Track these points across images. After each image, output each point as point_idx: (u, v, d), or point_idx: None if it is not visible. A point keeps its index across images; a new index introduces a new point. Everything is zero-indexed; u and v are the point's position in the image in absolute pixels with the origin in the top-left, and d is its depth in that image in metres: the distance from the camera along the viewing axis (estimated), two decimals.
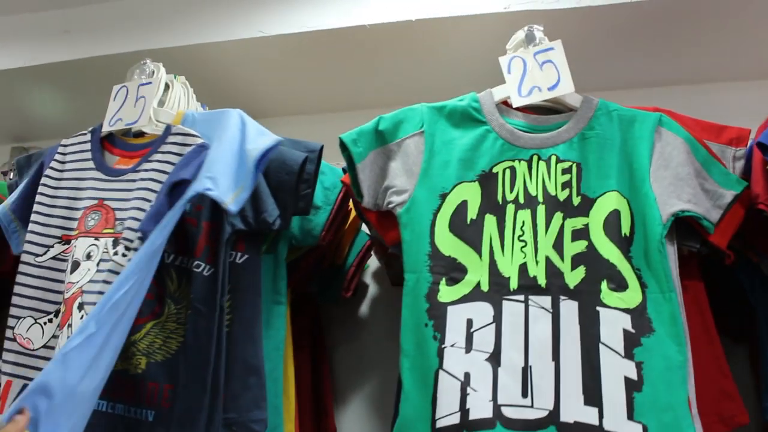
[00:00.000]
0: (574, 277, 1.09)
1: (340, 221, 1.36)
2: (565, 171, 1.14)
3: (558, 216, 1.12)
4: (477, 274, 1.10)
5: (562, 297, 1.08)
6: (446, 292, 1.09)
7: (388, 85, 1.67)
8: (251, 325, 1.16)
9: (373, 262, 1.66)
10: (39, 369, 1.11)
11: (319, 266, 1.43)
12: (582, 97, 1.20)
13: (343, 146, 1.18)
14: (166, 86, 1.30)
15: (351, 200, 1.31)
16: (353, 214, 1.41)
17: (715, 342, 1.20)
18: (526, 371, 1.04)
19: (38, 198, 1.21)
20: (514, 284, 1.09)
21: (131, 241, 1.09)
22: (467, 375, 1.04)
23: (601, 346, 1.04)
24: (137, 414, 1.08)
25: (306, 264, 1.38)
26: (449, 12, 1.45)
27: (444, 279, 1.10)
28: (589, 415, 1.01)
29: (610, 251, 1.09)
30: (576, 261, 1.09)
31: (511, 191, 1.14)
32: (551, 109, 1.22)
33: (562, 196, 1.13)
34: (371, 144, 1.18)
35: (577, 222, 1.11)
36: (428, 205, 1.14)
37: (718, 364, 1.19)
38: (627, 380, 1.02)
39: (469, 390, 1.03)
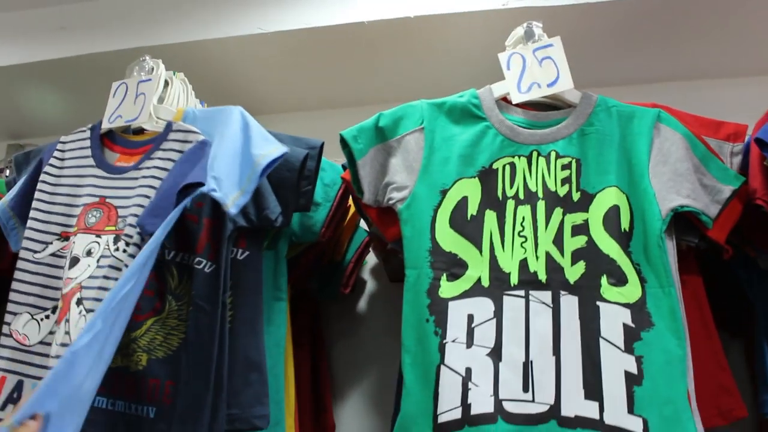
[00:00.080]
0: (574, 272, 1.09)
1: (340, 218, 1.36)
2: (564, 167, 1.15)
3: (558, 211, 1.12)
4: (477, 269, 1.10)
5: (562, 292, 1.08)
6: (447, 288, 1.09)
7: (387, 82, 1.67)
8: (253, 322, 1.16)
9: (371, 259, 1.66)
10: (34, 365, 1.11)
11: (319, 262, 1.44)
12: (581, 94, 1.20)
13: (344, 143, 1.18)
14: (165, 83, 1.30)
15: (351, 197, 1.31)
16: (352, 210, 1.41)
17: (714, 336, 1.20)
18: (527, 366, 1.04)
19: (37, 195, 1.20)
20: (514, 279, 1.09)
21: (131, 237, 1.09)
22: (468, 370, 1.04)
23: (601, 340, 1.05)
24: (138, 410, 1.08)
25: (306, 260, 1.38)
26: (448, 9, 1.45)
27: (445, 275, 1.10)
28: (590, 409, 1.01)
29: (609, 246, 1.10)
30: (576, 256, 1.10)
31: (511, 187, 1.14)
32: (550, 106, 1.23)
33: (562, 191, 1.13)
34: (371, 140, 1.18)
35: (577, 217, 1.12)
36: (429, 201, 1.14)
37: (716, 359, 1.19)
38: (627, 374, 1.02)
39: (470, 385, 1.03)
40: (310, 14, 1.50)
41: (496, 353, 1.05)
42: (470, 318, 1.07)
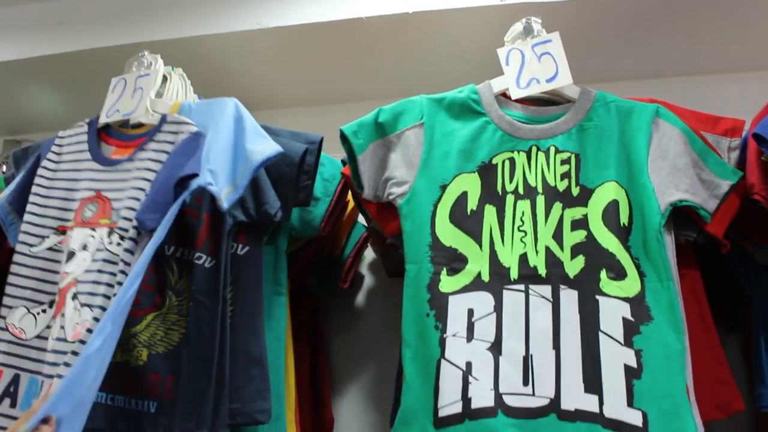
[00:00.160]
0: (573, 267, 1.09)
1: (339, 212, 1.36)
2: (563, 162, 1.15)
3: (557, 206, 1.12)
4: (477, 264, 1.10)
5: (562, 286, 1.08)
6: (447, 282, 1.09)
7: (386, 78, 1.67)
8: (253, 317, 1.16)
9: (369, 254, 1.66)
10: (31, 359, 1.10)
11: (318, 257, 1.44)
12: (580, 89, 1.20)
13: (344, 138, 1.18)
14: (164, 78, 1.29)
15: (350, 192, 1.31)
16: (351, 205, 1.41)
17: (711, 330, 1.21)
18: (527, 360, 1.04)
19: (34, 189, 1.20)
20: (514, 274, 1.09)
21: (126, 230, 1.08)
22: (469, 364, 1.04)
23: (600, 334, 1.05)
24: (138, 405, 1.07)
25: (305, 255, 1.38)
26: (446, 4, 1.44)
27: (445, 269, 1.10)
28: (590, 403, 1.01)
29: (609, 241, 1.10)
30: (575, 250, 1.10)
31: (511, 182, 1.14)
32: (549, 101, 1.23)
33: (561, 186, 1.13)
34: (371, 136, 1.18)
35: (576, 212, 1.12)
36: (428, 196, 1.14)
37: (714, 352, 1.20)
38: (627, 368, 1.03)
39: (470, 379, 1.03)
40: (309, 9, 1.50)
41: (496, 347, 1.05)
42: (470, 312, 1.07)
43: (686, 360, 1.05)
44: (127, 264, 1.05)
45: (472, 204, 1.13)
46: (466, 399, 1.02)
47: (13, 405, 1.08)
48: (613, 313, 1.06)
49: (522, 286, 1.08)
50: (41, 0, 1.65)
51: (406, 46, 1.57)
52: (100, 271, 1.07)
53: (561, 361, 1.04)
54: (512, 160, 1.16)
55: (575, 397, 1.02)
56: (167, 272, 1.13)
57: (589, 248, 1.10)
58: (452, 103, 1.20)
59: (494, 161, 1.16)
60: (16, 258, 1.16)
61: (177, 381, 1.07)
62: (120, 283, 1.03)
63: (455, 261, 1.10)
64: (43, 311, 1.13)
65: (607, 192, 1.12)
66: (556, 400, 1.02)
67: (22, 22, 1.65)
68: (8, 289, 1.14)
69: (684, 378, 1.04)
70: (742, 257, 1.29)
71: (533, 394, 1.02)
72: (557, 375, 1.03)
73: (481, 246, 1.11)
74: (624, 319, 1.05)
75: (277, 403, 1.17)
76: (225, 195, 1.05)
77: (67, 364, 0.99)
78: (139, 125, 1.25)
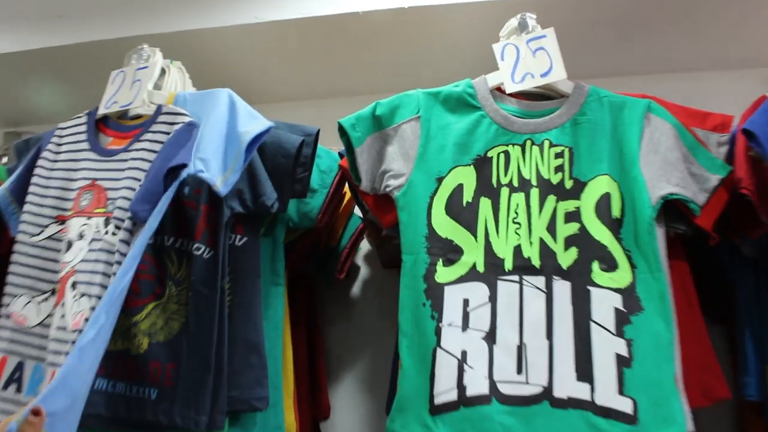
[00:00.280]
0: (566, 258, 1.09)
1: (336, 204, 1.35)
2: (557, 155, 1.14)
3: (551, 199, 1.12)
4: (473, 255, 1.10)
5: (555, 277, 1.08)
6: (443, 273, 1.09)
7: (382, 71, 1.66)
8: (251, 306, 1.15)
9: (364, 245, 1.65)
10: (34, 346, 1.10)
11: (315, 248, 1.43)
12: (573, 84, 1.20)
13: (342, 131, 1.17)
14: (163, 71, 1.28)
15: (347, 183, 1.30)
16: (347, 197, 1.41)
17: (699, 320, 1.21)
18: (520, 349, 1.04)
19: (33, 179, 1.19)
20: (509, 265, 1.09)
21: (122, 220, 1.07)
22: (464, 353, 1.04)
23: (592, 324, 1.05)
24: (139, 392, 1.06)
25: (302, 246, 1.37)
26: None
27: (441, 260, 1.10)
28: (582, 391, 1.02)
29: (601, 233, 1.10)
30: (569, 242, 1.10)
31: (506, 175, 1.14)
32: (544, 96, 1.22)
33: (555, 179, 1.13)
34: (369, 129, 1.17)
35: (570, 205, 1.12)
36: (425, 188, 1.13)
37: (702, 342, 1.19)
38: (618, 357, 1.03)
39: (465, 367, 1.03)
40: (307, 4, 1.48)
41: (490, 336, 1.05)
42: (466, 302, 1.07)
43: (675, 349, 1.06)
44: (123, 254, 1.04)
45: (467, 196, 1.13)
46: (461, 387, 1.02)
47: (18, 390, 1.08)
48: (604, 304, 1.06)
49: (516, 277, 1.08)
50: None
51: (402, 41, 1.56)
52: (97, 261, 1.06)
53: (554, 351, 1.04)
54: (507, 154, 1.15)
55: (567, 385, 1.02)
56: (167, 263, 1.12)
57: (582, 240, 1.10)
58: (448, 97, 1.19)
59: (489, 154, 1.15)
60: (17, 247, 1.15)
61: (177, 369, 1.06)
62: (115, 273, 1.02)
63: (451, 252, 1.10)
64: (45, 299, 1.12)
65: (600, 185, 1.12)
66: (548, 388, 1.02)
67: (22, 14, 1.63)
68: (10, 278, 1.13)
69: (673, 367, 1.04)
70: (729, 250, 1.29)
71: (527, 382, 1.02)
72: (550, 364, 1.03)
73: (476, 237, 1.11)
74: (615, 310, 1.05)
75: (275, 391, 1.16)
76: (223, 180, 1.04)
77: (68, 354, 0.98)
78: (137, 116, 1.24)
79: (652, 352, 1.03)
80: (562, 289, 1.07)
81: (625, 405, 1.00)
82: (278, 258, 1.25)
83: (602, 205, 1.11)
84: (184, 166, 1.02)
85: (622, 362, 1.02)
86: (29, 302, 1.12)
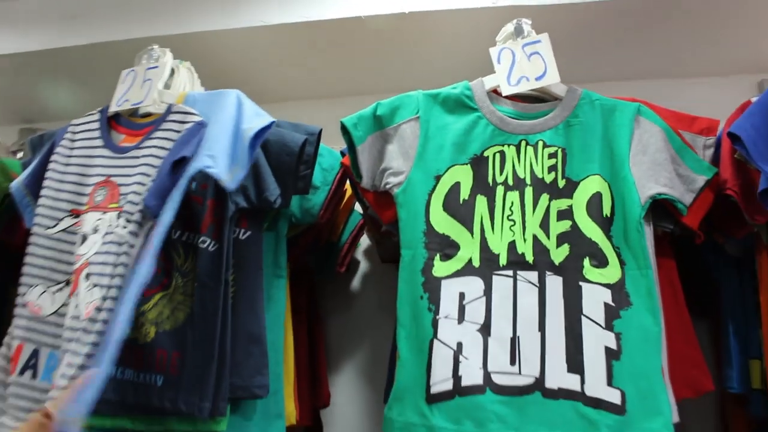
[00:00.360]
0: (559, 254, 1.09)
1: (337, 201, 1.35)
2: (551, 155, 1.14)
3: (544, 197, 1.11)
4: (469, 250, 1.09)
5: (548, 272, 1.07)
6: (440, 267, 1.08)
7: (383, 74, 1.65)
8: (254, 298, 1.15)
9: (364, 241, 1.64)
10: (49, 334, 1.09)
11: (317, 243, 1.42)
12: (567, 87, 1.19)
13: (344, 129, 1.16)
14: (173, 71, 1.27)
15: (348, 181, 1.29)
16: (348, 194, 1.40)
17: (685, 316, 1.20)
18: (514, 341, 1.04)
19: (48, 174, 1.18)
20: (503, 260, 1.08)
21: (132, 214, 1.06)
22: (460, 344, 1.04)
23: (583, 318, 1.04)
24: (146, 379, 1.06)
25: (305, 241, 1.36)
26: (441, 5, 1.43)
27: (438, 255, 1.09)
28: (572, 382, 1.01)
29: (592, 230, 1.09)
30: (561, 239, 1.09)
31: (501, 174, 1.13)
32: (538, 98, 1.21)
33: (549, 178, 1.12)
34: (370, 128, 1.17)
35: (562, 203, 1.11)
36: (423, 186, 1.13)
37: (687, 336, 1.19)
38: (607, 350, 1.02)
39: (461, 358, 1.03)
40: (311, 8, 1.47)
41: (485, 329, 1.05)
42: (462, 296, 1.07)
43: (662, 343, 1.05)
44: (131, 246, 1.04)
45: (464, 194, 1.12)
46: (456, 377, 1.02)
47: (34, 377, 1.07)
48: (595, 299, 1.05)
49: (510, 272, 1.08)
50: None
51: (402, 45, 1.55)
52: (108, 253, 1.05)
53: (546, 343, 1.03)
54: (502, 153, 1.14)
55: (559, 377, 1.01)
56: (173, 255, 1.12)
57: (574, 237, 1.09)
58: (447, 98, 1.18)
59: (486, 154, 1.15)
60: (33, 239, 1.14)
61: (182, 357, 1.06)
62: (125, 265, 1.02)
63: (448, 247, 1.09)
64: (60, 289, 1.11)
65: (591, 185, 1.12)
66: (540, 379, 1.01)
67: (37, 15, 1.62)
68: (26, 269, 1.12)
69: (660, 360, 1.04)
70: (713, 249, 1.30)
71: (519, 373, 1.02)
72: (542, 355, 1.03)
73: (472, 233, 1.10)
74: (605, 304, 1.05)
75: (276, 379, 1.15)
76: (231, 176, 1.03)
77: (78, 341, 0.98)
78: (147, 114, 1.23)
79: (640, 346, 1.03)
80: (555, 284, 1.07)
81: (613, 396, 1.00)
82: (281, 252, 1.24)
83: (593, 204, 1.10)
84: (188, 159, 1.02)
85: (611, 355, 1.02)
86: (44, 292, 1.11)
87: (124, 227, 1.06)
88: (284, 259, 1.25)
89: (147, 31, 1.51)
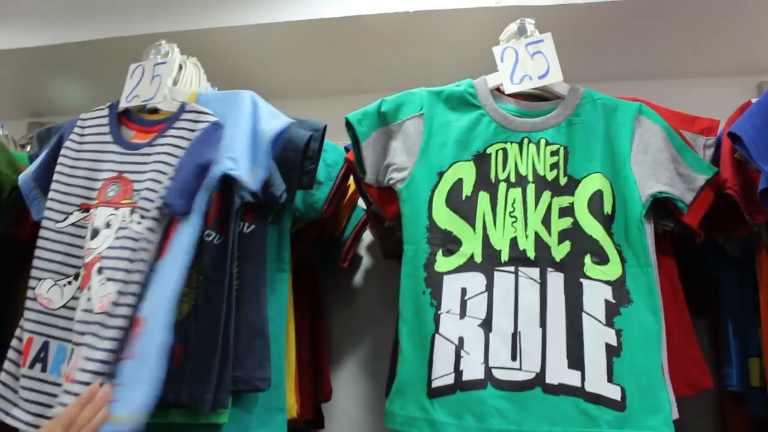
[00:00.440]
0: (560, 251, 1.07)
1: (341, 196, 1.34)
2: (553, 153, 1.13)
3: (546, 194, 1.10)
4: (471, 246, 1.08)
5: (549, 269, 1.06)
6: (442, 263, 1.07)
7: (387, 71, 1.64)
8: (257, 291, 1.13)
9: (367, 236, 1.63)
10: (59, 327, 1.08)
11: (320, 238, 1.41)
12: (569, 87, 1.18)
13: (349, 125, 1.15)
14: (180, 67, 1.25)
15: (352, 176, 1.28)
16: (351, 189, 1.39)
17: (685, 314, 1.19)
18: (515, 336, 1.03)
19: (58, 168, 1.16)
20: (505, 256, 1.07)
21: (147, 210, 1.05)
22: (461, 339, 1.02)
23: (584, 314, 1.03)
24: None
25: (308, 235, 1.35)
26: (445, 5, 1.42)
27: (440, 250, 1.08)
28: (573, 378, 1.00)
29: (593, 228, 1.08)
30: (562, 236, 1.08)
31: (504, 171, 1.12)
32: (540, 97, 1.20)
33: (550, 176, 1.11)
34: (374, 124, 1.16)
35: (564, 200, 1.10)
36: (427, 181, 1.11)
37: (687, 334, 1.18)
38: (607, 346, 1.01)
39: (462, 353, 1.02)
40: (318, 6, 1.46)
41: (487, 324, 1.03)
42: (463, 291, 1.05)
43: (662, 340, 1.04)
44: (149, 241, 1.03)
45: (467, 190, 1.11)
46: (458, 372, 1.01)
47: (43, 370, 1.06)
48: (595, 295, 1.04)
49: (512, 268, 1.06)
50: None
51: (407, 43, 1.54)
52: (122, 248, 1.04)
53: (547, 339, 1.02)
54: (505, 151, 1.13)
55: (559, 372, 1.00)
56: None
57: (575, 234, 1.08)
58: (450, 95, 1.17)
59: (488, 151, 1.13)
60: (43, 233, 1.13)
61: (185, 349, 1.05)
62: (144, 260, 1.02)
63: (450, 243, 1.08)
64: (69, 283, 1.10)
65: (593, 183, 1.10)
66: (541, 374, 1.00)
67: (47, 11, 1.61)
68: (36, 262, 1.11)
69: (659, 357, 1.03)
70: (712, 248, 1.29)
71: (520, 369, 1.01)
72: (543, 351, 1.02)
73: (474, 229, 1.09)
74: (606, 301, 1.04)
75: (278, 373, 1.14)
76: (252, 176, 1.06)
77: (94, 335, 0.97)
78: (155, 110, 1.22)
79: (640, 343, 1.02)
80: (556, 280, 1.05)
81: (613, 392, 0.99)
82: (284, 246, 1.23)
83: (595, 202, 1.09)
84: (214, 163, 1.03)
85: (612, 351, 1.01)
86: (54, 285, 1.10)
87: (139, 223, 1.05)
88: (287, 253, 1.24)
89: (154, 28, 1.50)
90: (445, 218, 1.09)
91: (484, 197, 1.11)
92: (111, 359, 0.96)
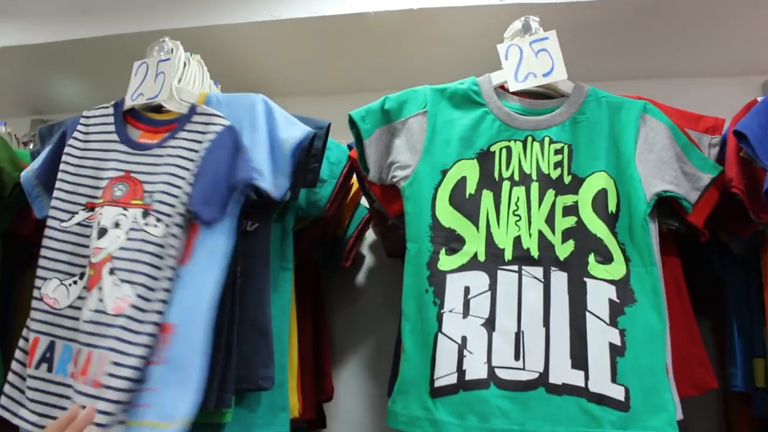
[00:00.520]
0: (564, 250, 1.07)
1: (344, 194, 1.33)
2: (557, 152, 1.12)
3: (550, 193, 1.10)
4: (474, 245, 1.07)
5: (552, 268, 1.06)
6: (446, 261, 1.07)
7: (391, 69, 1.63)
8: (260, 289, 1.13)
9: (369, 235, 1.63)
10: (65, 327, 1.07)
11: (323, 236, 1.41)
12: (573, 84, 1.17)
13: (352, 122, 1.15)
14: (184, 64, 1.25)
15: (355, 174, 1.28)
16: (354, 188, 1.39)
17: (689, 313, 1.19)
18: (518, 336, 1.02)
19: (62, 167, 1.16)
20: (508, 255, 1.07)
21: (169, 216, 1.05)
22: (464, 338, 1.02)
23: (587, 314, 1.03)
24: None
25: (311, 234, 1.35)
26: (449, 2, 1.41)
27: (444, 249, 1.07)
28: (576, 378, 0.99)
29: (597, 227, 1.07)
30: (566, 235, 1.07)
31: (507, 169, 1.11)
32: (545, 95, 1.19)
33: (554, 174, 1.11)
34: (378, 121, 1.15)
35: (568, 199, 1.09)
36: (430, 179, 1.11)
37: (691, 334, 1.18)
38: (611, 346, 1.01)
39: (465, 352, 1.01)
40: (320, 3, 1.46)
41: (490, 323, 1.03)
42: (467, 290, 1.05)
43: (666, 340, 1.04)
44: (172, 246, 1.04)
45: (470, 188, 1.10)
46: (460, 371, 1.00)
47: (49, 370, 1.06)
48: (599, 295, 1.04)
49: (515, 267, 1.06)
50: None
51: (410, 40, 1.53)
52: (140, 251, 1.03)
53: (550, 338, 1.02)
54: (509, 149, 1.12)
55: (563, 372, 1.00)
56: None
57: (579, 233, 1.07)
58: (454, 93, 1.16)
59: (492, 149, 1.13)
60: (48, 232, 1.12)
61: None
62: (171, 267, 1.03)
63: (453, 241, 1.08)
64: (75, 282, 1.09)
65: (597, 181, 1.10)
66: (544, 374, 1.00)
67: (49, 8, 1.61)
68: (41, 262, 1.11)
69: (664, 357, 1.02)
70: (717, 247, 1.28)
71: (524, 368, 1.00)
72: (546, 351, 1.01)
73: (478, 228, 1.08)
74: (610, 301, 1.03)
75: (281, 372, 1.14)
76: (274, 186, 1.08)
77: (118, 339, 0.98)
78: (159, 107, 1.21)
79: (645, 342, 1.01)
80: (560, 279, 1.05)
81: (617, 392, 0.98)
82: (287, 244, 1.22)
83: (599, 201, 1.09)
84: (249, 180, 1.07)
85: (616, 351, 1.00)
86: (59, 285, 1.09)
87: (155, 226, 1.05)
88: (291, 251, 1.23)
89: (155, 25, 1.49)
90: (449, 216, 1.09)
91: (487, 195, 1.10)
92: (142, 365, 0.97)
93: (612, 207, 1.08)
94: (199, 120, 1.14)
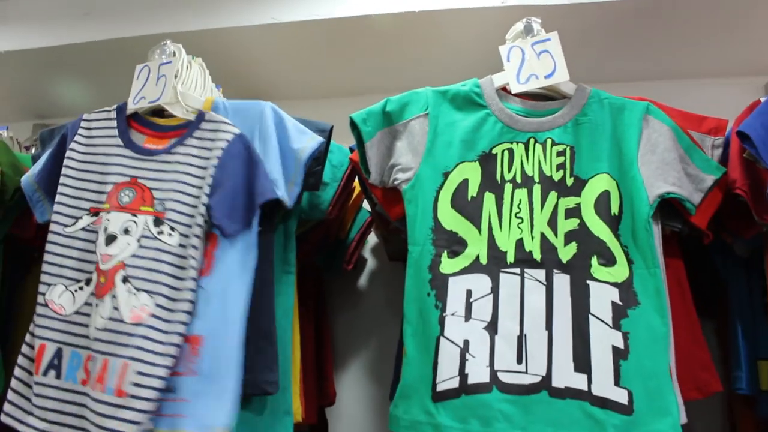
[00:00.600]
0: (566, 252, 1.06)
1: (346, 197, 1.32)
2: (559, 153, 1.11)
3: (552, 195, 1.09)
4: (476, 247, 1.07)
5: (555, 270, 1.05)
6: (448, 264, 1.06)
7: (392, 71, 1.63)
8: (264, 293, 1.12)
9: (371, 238, 1.63)
10: (72, 333, 1.07)
11: (325, 240, 1.40)
12: (576, 86, 1.16)
13: (353, 125, 1.15)
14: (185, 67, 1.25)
15: (357, 177, 1.27)
16: (356, 191, 1.38)
17: (693, 316, 1.18)
18: (521, 339, 1.01)
19: (65, 171, 1.15)
20: (511, 258, 1.06)
21: (189, 226, 1.05)
22: (466, 342, 1.01)
23: (590, 316, 1.02)
24: None
25: (314, 237, 1.34)
26: (450, 4, 1.41)
27: (446, 252, 1.07)
28: (579, 381, 0.99)
29: (600, 229, 1.07)
30: (569, 237, 1.07)
31: (509, 171, 1.11)
32: (547, 96, 1.19)
33: (557, 176, 1.10)
34: (379, 124, 1.15)
35: (570, 201, 1.09)
36: (432, 182, 1.10)
37: (695, 337, 1.17)
38: (614, 349, 1.00)
39: (467, 356, 1.01)
40: (321, 6, 1.46)
41: (492, 327, 1.02)
42: (469, 293, 1.04)
43: (669, 343, 1.03)
44: (196, 259, 1.03)
45: (472, 191, 1.10)
46: (463, 375, 1.00)
47: (57, 377, 1.05)
48: (602, 297, 1.03)
49: (518, 270, 1.05)
50: None
51: (412, 42, 1.53)
52: (158, 261, 1.03)
53: (553, 341, 1.01)
54: (511, 151, 1.12)
55: (565, 376, 0.99)
56: None
57: (582, 235, 1.07)
58: (456, 95, 1.16)
59: (494, 151, 1.12)
60: (52, 238, 1.11)
61: None
62: (194, 279, 1.02)
63: (455, 244, 1.07)
64: (80, 288, 1.09)
65: (600, 183, 1.09)
66: (547, 377, 0.99)
67: (50, 12, 1.61)
68: (46, 267, 1.10)
69: (667, 359, 1.01)
70: (721, 249, 1.28)
71: (526, 372, 1.00)
72: (549, 354, 1.00)
73: (480, 231, 1.08)
74: (613, 303, 1.03)
75: (284, 376, 1.13)
76: (287, 195, 1.08)
77: (141, 349, 0.98)
78: (162, 112, 1.20)
79: (648, 345, 1.00)
80: (562, 282, 1.04)
81: (620, 396, 0.98)
82: (290, 248, 1.22)
83: (601, 203, 1.08)
84: (273, 197, 1.06)
85: (619, 354, 1.00)
86: (65, 291, 1.09)
87: (170, 235, 1.05)
88: (293, 255, 1.22)
89: (159, 28, 1.50)
90: (451, 219, 1.08)
91: (489, 198, 1.09)
92: (168, 375, 0.97)
93: (615, 209, 1.08)
94: (207, 127, 1.13)
